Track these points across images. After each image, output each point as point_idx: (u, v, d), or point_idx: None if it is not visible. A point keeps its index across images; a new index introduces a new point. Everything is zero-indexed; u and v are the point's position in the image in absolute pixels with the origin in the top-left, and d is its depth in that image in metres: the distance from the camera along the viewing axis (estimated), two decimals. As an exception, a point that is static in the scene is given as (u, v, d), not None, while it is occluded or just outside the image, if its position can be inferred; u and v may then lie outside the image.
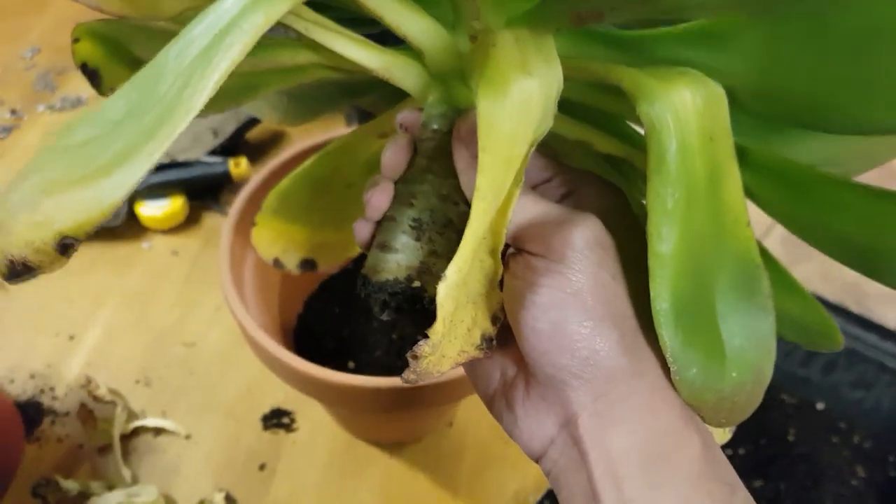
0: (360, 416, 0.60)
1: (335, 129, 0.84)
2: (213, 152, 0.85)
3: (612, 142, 0.29)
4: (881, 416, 0.66)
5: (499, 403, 0.29)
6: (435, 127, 0.30)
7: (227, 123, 0.87)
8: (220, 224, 0.81)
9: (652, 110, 0.23)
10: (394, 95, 0.36)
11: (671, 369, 0.26)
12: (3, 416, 0.61)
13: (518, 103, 0.23)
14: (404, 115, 0.31)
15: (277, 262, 0.47)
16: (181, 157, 0.83)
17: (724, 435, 0.30)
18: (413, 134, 0.31)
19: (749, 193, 0.27)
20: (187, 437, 0.64)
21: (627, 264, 0.27)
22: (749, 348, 0.27)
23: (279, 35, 0.32)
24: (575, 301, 0.26)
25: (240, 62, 0.24)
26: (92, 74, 0.41)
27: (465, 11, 0.26)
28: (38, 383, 0.67)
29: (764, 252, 0.27)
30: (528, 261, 0.27)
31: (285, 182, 0.43)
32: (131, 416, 0.64)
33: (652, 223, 0.25)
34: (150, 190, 0.79)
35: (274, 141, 0.92)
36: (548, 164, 0.30)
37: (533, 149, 0.25)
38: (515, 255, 0.28)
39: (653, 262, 0.25)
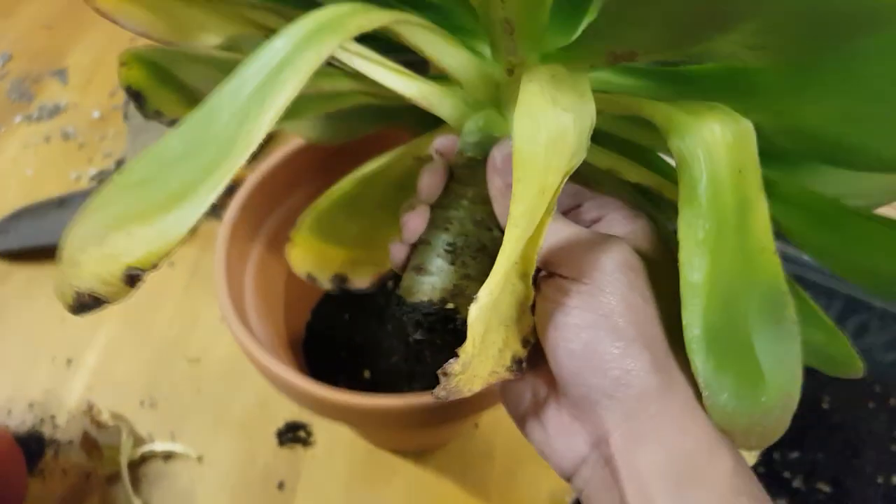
0: (383, 429, 0.59)
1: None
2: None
3: (642, 172, 0.30)
4: (917, 377, 0.63)
5: (530, 422, 0.30)
6: (470, 154, 0.31)
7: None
8: (215, 229, 0.73)
9: (683, 144, 0.24)
10: (430, 119, 0.37)
11: (703, 394, 0.26)
12: (3, 451, 0.57)
13: (553, 137, 0.24)
14: (440, 142, 0.32)
15: (310, 277, 0.48)
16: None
17: (750, 458, 0.31)
18: (448, 160, 0.32)
19: (776, 224, 0.27)
20: (199, 459, 0.60)
21: (657, 286, 0.28)
22: (778, 373, 0.28)
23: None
24: (606, 322, 0.26)
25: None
26: (136, 96, 0.42)
27: (503, 46, 0.27)
28: (37, 412, 0.63)
29: (789, 281, 0.28)
30: (560, 284, 0.28)
31: (322, 201, 0.45)
32: (138, 441, 0.61)
33: (683, 253, 0.25)
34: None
35: (266, 139, 0.88)
36: (578, 190, 0.31)
37: (566, 180, 0.26)
38: (547, 278, 0.29)
39: (685, 291, 0.26)
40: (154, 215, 0.24)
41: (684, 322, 0.26)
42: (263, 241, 0.57)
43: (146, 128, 0.84)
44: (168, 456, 0.60)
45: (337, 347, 0.63)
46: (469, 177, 0.31)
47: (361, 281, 0.49)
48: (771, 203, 0.26)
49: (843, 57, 0.20)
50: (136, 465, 0.60)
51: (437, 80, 0.32)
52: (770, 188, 0.26)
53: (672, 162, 0.26)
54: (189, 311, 0.70)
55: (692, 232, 0.25)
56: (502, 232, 0.26)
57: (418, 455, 0.61)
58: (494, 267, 0.25)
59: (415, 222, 0.31)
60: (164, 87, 0.42)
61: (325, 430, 0.62)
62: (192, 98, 0.40)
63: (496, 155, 0.29)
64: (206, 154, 0.24)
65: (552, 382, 0.29)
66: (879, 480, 0.58)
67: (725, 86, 0.25)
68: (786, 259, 0.25)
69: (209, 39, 0.37)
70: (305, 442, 0.61)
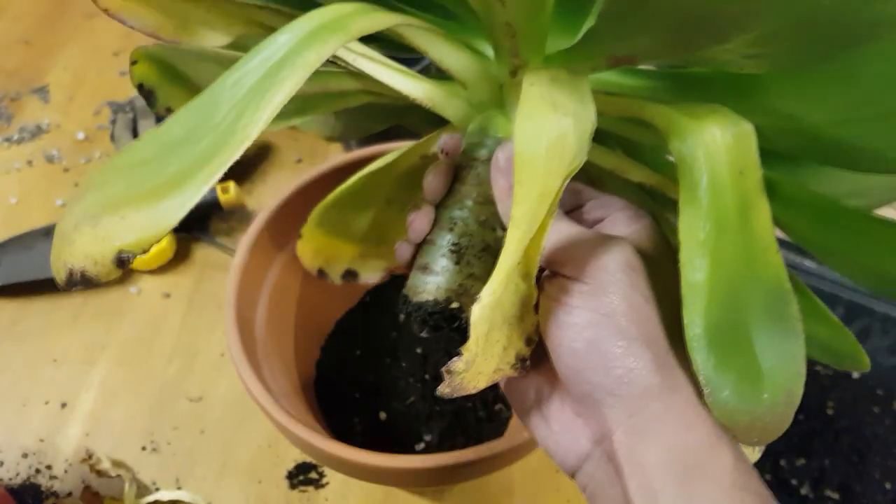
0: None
1: (319, 142, 0.82)
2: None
3: (645, 171, 0.30)
4: (919, 382, 0.63)
5: (534, 419, 0.31)
6: (474, 154, 0.31)
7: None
8: (212, 257, 0.73)
9: (684, 147, 0.24)
10: (437, 118, 0.37)
11: (704, 392, 0.27)
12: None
13: (553, 140, 0.25)
14: (445, 141, 0.33)
15: (322, 273, 0.49)
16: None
17: (753, 454, 0.31)
18: (454, 160, 0.32)
19: (778, 223, 0.27)
20: None
21: (659, 285, 0.28)
22: (780, 370, 0.28)
23: (327, 64, 0.34)
24: (609, 322, 0.27)
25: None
26: (148, 94, 0.43)
27: (505, 49, 0.27)
28: (31, 462, 0.58)
29: (792, 278, 0.28)
30: (563, 283, 0.28)
31: (329, 197, 0.45)
32: (142, 490, 0.56)
33: (684, 254, 0.26)
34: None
35: (260, 156, 0.82)
36: (582, 189, 0.32)
37: (567, 181, 0.26)
38: (550, 277, 0.29)
39: (686, 291, 0.26)
40: (148, 201, 0.24)
41: (685, 321, 0.26)
42: (275, 274, 0.56)
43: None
44: (175, 505, 0.57)
45: (350, 387, 0.60)
46: (473, 177, 0.31)
47: (372, 276, 0.49)
48: (772, 203, 0.26)
49: (842, 60, 0.20)
50: (142, 515, 0.56)
51: (441, 81, 0.32)
52: (771, 188, 0.26)
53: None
54: (187, 345, 0.66)
55: (693, 233, 0.25)
56: (506, 232, 0.26)
57: (436, 493, 0.58)
58: (496, 267, 0.25)
59: (420, 222, 0.32)
60: (174, 84, 0.43)
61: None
62: (201, 95, 0.40)
63: (500, 156, 0.30)
64: (204, 142, 0.24)
65: (555, 380, 0.30)
66: (888, 486, 0.58)
67: (726, 88, 0.25)
68: (787, 266, 0.26)
69: (216, 39, 0.37)
70: (318, 483, 0.58)
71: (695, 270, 0.26)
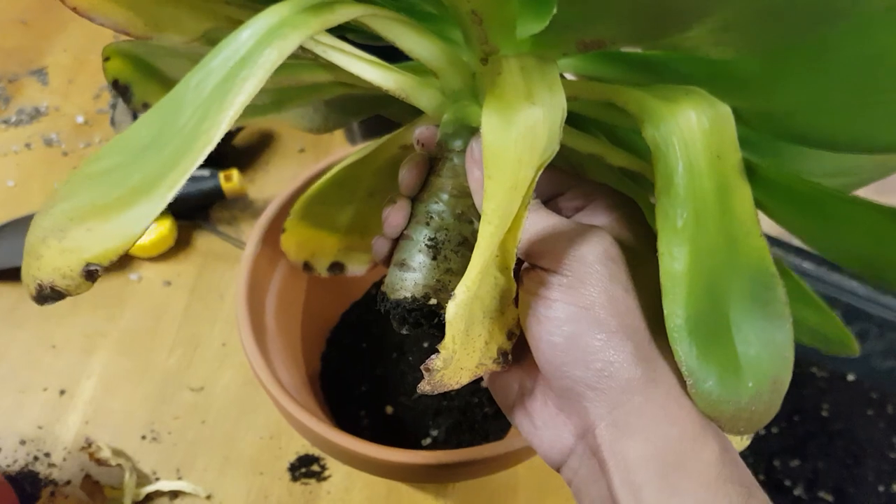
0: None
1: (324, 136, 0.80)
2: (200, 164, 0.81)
3: (627, 156, 0.29)
4: (914, 385, 0.64)
5: (518, 414, 0.30)
6: (450, 146, 0.30)
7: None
8: (214, 245, 0.72)
9: (658, 133, 0.23)
10: (415, 109, 0.36)
11: (687, 382, 0.26)
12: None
13: (523, 131, 0.24)
14: (421, 132, 0.32)
15: (307, 266, 0.48)
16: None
17: (742, 442, 0.31)
18: (429, 150, 0.32)
19: (760, 207, 0.27)
20: (208, 497, 0.55)
21: (640, 274, 0.28)
22: (765, 357, 0.27)
23: (299, 56, 0.33)
24: (588, 315, 0.26)
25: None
26: (123, 90, 0.42)
27: (474, 35, 0.26)
28: (30, 450, 0.57)
29: (779, 263, 0.27)
30: (541, 276, 0.27)
31: (311, 189, 0.44)
32: (142, 479, 0.56)
33: (662, 243, 0.25)
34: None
35: (262, 144, 0.81)
36: (561, 177, 0.31)
37: (540, 172, 0.25)
38: (529, 270, 0.28)
39: (665, 280, 0.25)
40: (113, 211, 0.24)
41: (666, 311, 0.25)
42: (285, 264, 0.55)
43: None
44: (175, 495, 0.56)
45: (356, 380, 0.60)
46: (449, 169, 0.30)
47: (359, 268, 0.48)
48: (754, 187, 0.26)
49: (810, 44, 0.20)
50: (141, 505, 0.56)
51: (414, 71, 0.31)
52: (752, 172, 0.25)
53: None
54: (189, 334, 0.65)
55: (670, 222, 0.24)
56: None
57: (439, 489, 0.57)
58: (470, 264, 0.25)
59: (395, 217, 0.31)
60: (150, 79, 0.42)
61: (340, 464, 0.57)
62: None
63: (475, 147, 0.29)
64: (169, 147, 0.24)
65: (538, 374, 0.29)
66: (881, 489, 0.58)
67: (701, 71, 0.25)
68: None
69: (186, 34, 0.37)
70: (320, 476, 0.57)
71: (674, 259, 0.25)
